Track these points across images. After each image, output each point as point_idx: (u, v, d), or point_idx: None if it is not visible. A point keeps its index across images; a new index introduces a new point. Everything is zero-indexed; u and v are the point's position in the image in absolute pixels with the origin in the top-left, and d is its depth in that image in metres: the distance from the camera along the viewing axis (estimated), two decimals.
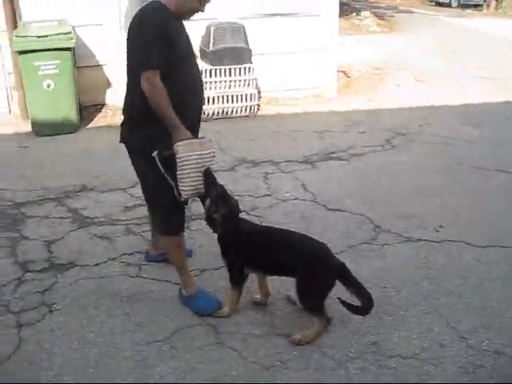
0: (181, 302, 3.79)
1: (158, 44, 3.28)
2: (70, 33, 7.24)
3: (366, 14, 21.45)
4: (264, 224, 3.92)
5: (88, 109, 8.19)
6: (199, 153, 3.40)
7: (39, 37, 7.06)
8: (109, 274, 4.13)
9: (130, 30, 3.45)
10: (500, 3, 34.01)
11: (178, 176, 3.39)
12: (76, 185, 5.72)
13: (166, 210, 3.63)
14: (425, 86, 10.39)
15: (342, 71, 10.59)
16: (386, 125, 7.85)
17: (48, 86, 7.23)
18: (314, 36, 8.94)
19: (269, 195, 5.53)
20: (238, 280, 3.63)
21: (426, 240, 4.70)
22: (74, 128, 7.52)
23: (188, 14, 3.51)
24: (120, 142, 3.66)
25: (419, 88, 10.29)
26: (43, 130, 7.35)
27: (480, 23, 23.52)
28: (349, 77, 10.74)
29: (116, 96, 8.17)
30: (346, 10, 22.47)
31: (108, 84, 8.35)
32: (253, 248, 3.56)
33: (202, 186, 3.46)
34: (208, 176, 3.46)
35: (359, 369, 3.27)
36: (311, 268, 3.41)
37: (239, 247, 3.55)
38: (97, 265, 4.25)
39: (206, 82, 7.80)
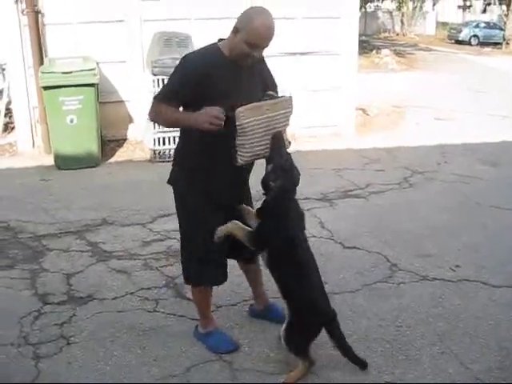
0: (195, 337, 3.82)
1: (177, 83, 3.26)
2: (93, 69, 7.43)
3: (385, 51, 21.72)
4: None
5: (110, 143, 8.36)
6: (265, 116, 3.19)
7: (64, 73, 7.27)
8: (126, 308, 4.18)
9: None
10: None
11: (237, 142, 3.19)
12: (96, 218, 5.82)
13: (188, 260, 3.61)
14: (444, 125, 10.46)
15: (361, 109, 10.69)
16: (403, 163, 7.90)
17: (71, 120, 7.40)
18: (333, 74, 9.07)
19: None
20: (254, 240, 3.38)
21: (442, 279, 4.69)
22: (96, 162, 7.68)
23: (240, 58, 3.23)
24: (167, 182, 3.65)
25: (438, 126, 10.36)
26: (65, 163, 7.50)
27: (500, 61, 23.64)
28: (368, 114, 10.83)
29: (137, 131, 8.35)
30: (365, 47, 22.77)
31: (130, 119, 8.52)
32: (279, 246, 3.34)
33: (266, 149, 3.25)
34: (277, 140, 3.25)
35: None
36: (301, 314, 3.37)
37: (272, 229, 3.32)
38: (115, 299, 4.31)
39: None
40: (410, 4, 36.15)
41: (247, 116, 3.12)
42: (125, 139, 8.53)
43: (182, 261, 3.71)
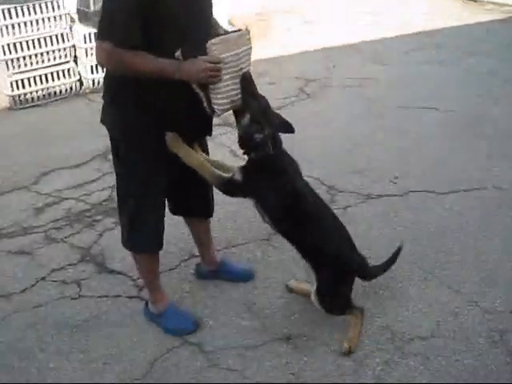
0: (146, 319, 3.08)
1: (124, 14, 2.38)
2: None
3: None
4: None
5: None
6: (235, 52, 2.56)
7: None
8: (44, 301, 3.28)
9: None
10: None
11: (211, 87, 2.54)
12: None
13: (127, 218, 2.85)
14: (315, 27, 9.84)
15: None
16: (292, 72, 7.24)
17: None
18: None
19: None
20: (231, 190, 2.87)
21: (387, 195, 4.25)
22: None
23: None
24: (100, 122, 2.79)
25: (310, 29, 9.72)
26: None
27: None
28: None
29: None
30: None
31: None
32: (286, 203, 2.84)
33: (238, 95, 2.64)
34: (247, 82, 2.64)
35: (383, 363, 2.80)
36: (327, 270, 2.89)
37: (266, 190, 2.82)
38: (23, 291, 3.39)
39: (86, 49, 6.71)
40: None
41: (220, 50, 2.50)
42: None
43: (121, 225, 2.95)
